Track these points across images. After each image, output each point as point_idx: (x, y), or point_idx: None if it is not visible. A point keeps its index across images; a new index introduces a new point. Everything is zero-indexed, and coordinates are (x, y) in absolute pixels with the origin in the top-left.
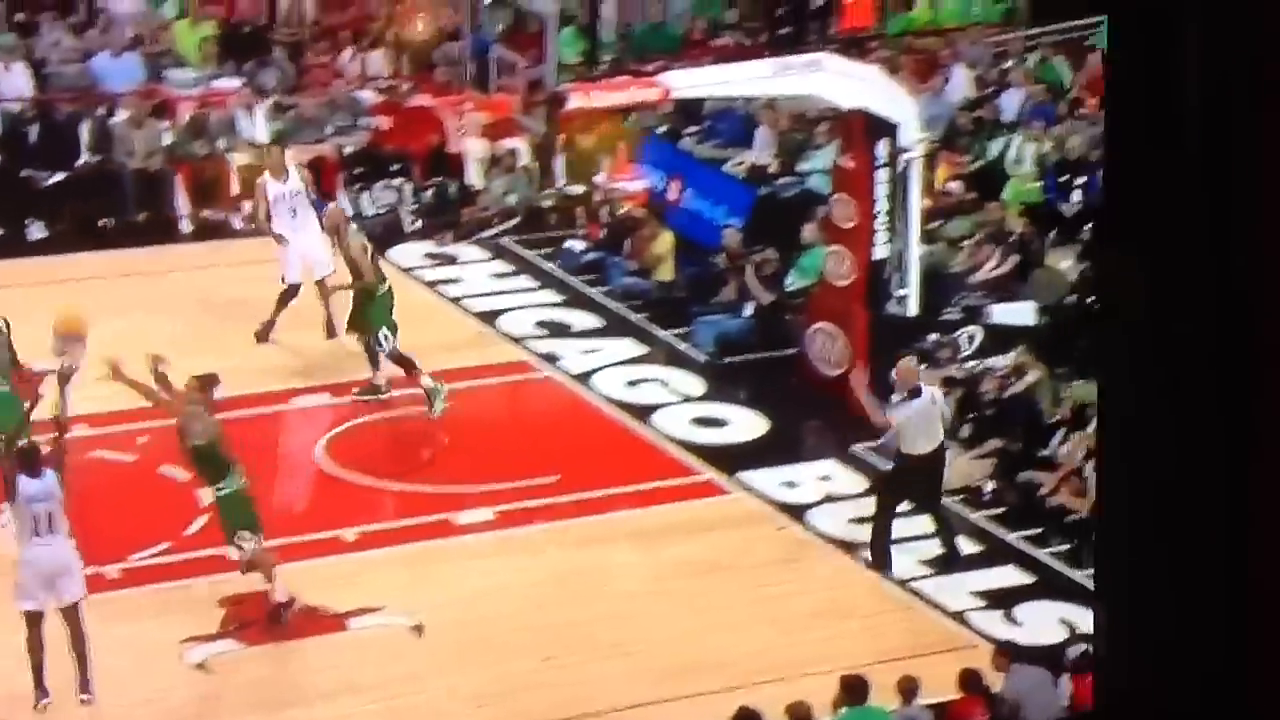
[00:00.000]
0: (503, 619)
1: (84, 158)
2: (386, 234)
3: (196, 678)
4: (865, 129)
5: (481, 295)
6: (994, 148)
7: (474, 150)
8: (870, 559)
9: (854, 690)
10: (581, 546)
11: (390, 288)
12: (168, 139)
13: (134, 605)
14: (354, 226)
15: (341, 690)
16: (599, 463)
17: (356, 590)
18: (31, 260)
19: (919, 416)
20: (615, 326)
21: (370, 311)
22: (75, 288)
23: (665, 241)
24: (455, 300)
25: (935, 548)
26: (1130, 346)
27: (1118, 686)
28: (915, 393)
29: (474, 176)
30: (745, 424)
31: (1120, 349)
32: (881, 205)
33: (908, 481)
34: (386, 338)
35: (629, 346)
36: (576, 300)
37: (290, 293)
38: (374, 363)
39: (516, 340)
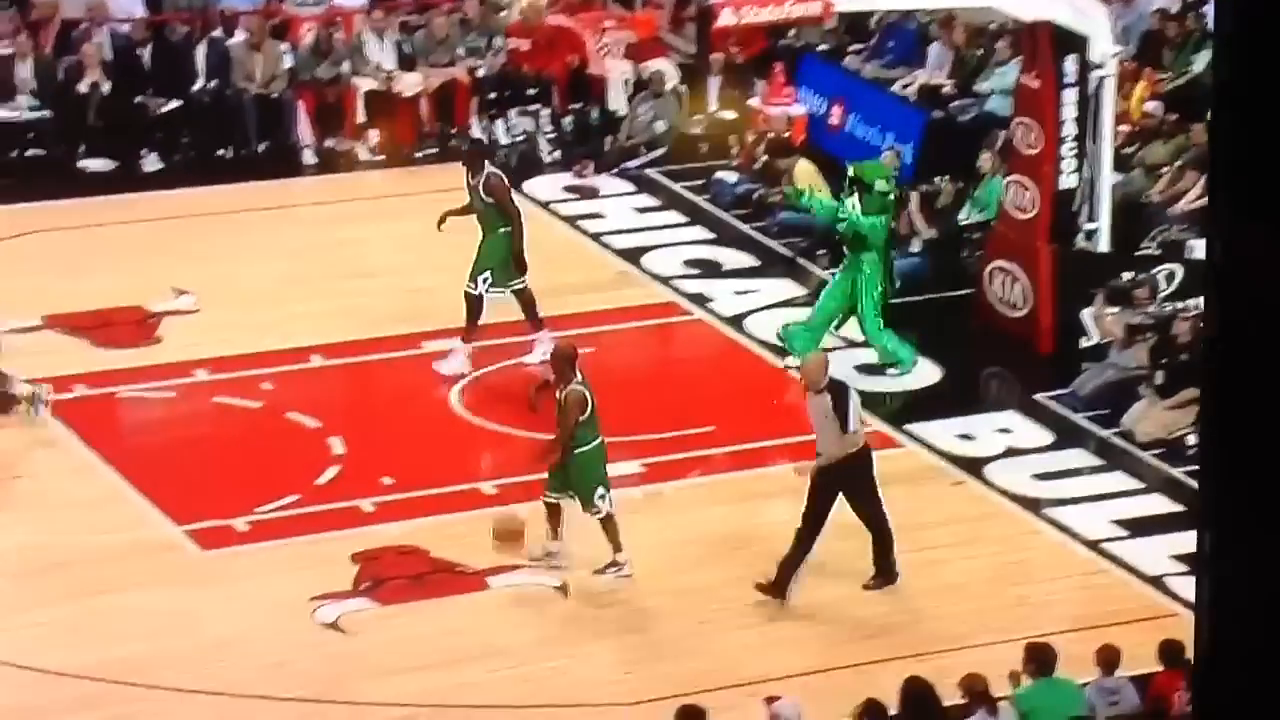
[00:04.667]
0: (653, 579)
1: (200, 83)
2: (523, 165)
3: (329, 638)
4: (1051, 43)
5: (625, 231)
6: (1199, 62)
7: (617, 73)
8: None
9: (1041, 660)
10: (738, 503)
11: None
12: (289, 62)
13: (261, 560)
14: None
15: (482, 654)
16: (756, 412)
17: None
18: (146, 195)
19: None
20: (772, 265)
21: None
22: (191, 224)
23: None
24: (596, 237)
25: (1117, 511)
26: None
27: None
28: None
29: (617, 101)
30: (916, 371)
31: None
32: (1069, 129)
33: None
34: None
35: (787, 287)
36: (729, 237)
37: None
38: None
39: (664, 280)
